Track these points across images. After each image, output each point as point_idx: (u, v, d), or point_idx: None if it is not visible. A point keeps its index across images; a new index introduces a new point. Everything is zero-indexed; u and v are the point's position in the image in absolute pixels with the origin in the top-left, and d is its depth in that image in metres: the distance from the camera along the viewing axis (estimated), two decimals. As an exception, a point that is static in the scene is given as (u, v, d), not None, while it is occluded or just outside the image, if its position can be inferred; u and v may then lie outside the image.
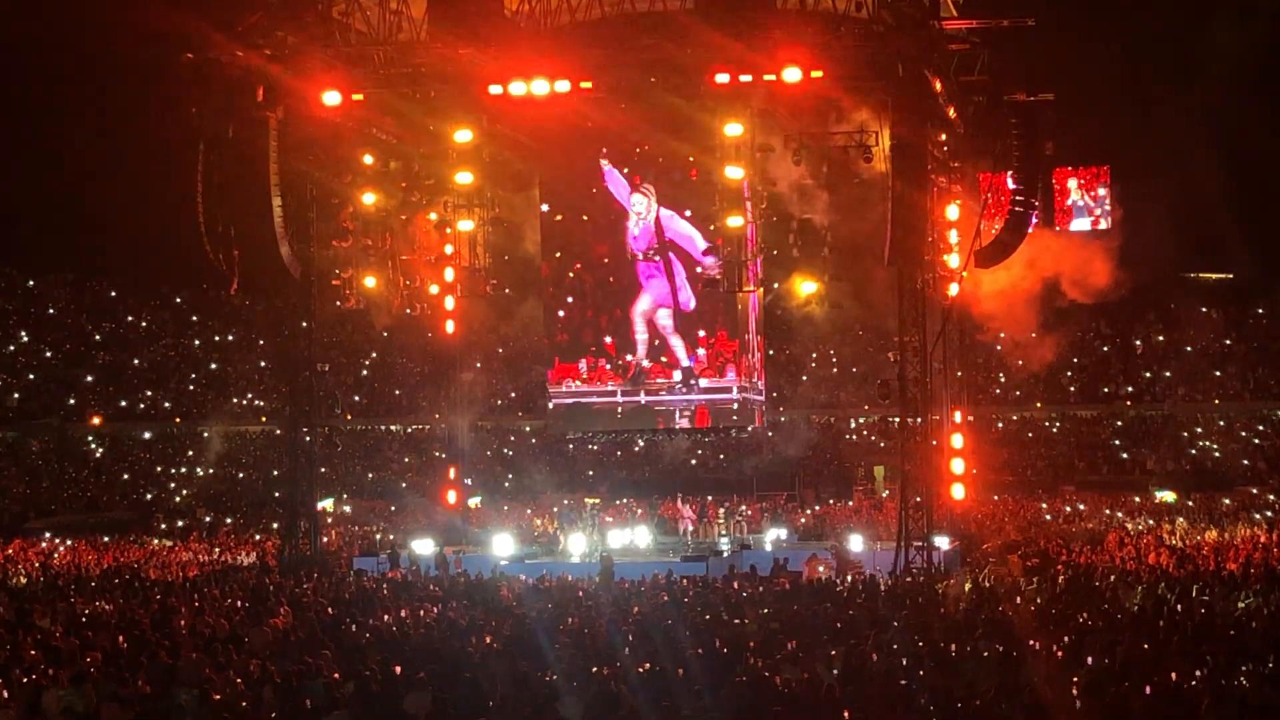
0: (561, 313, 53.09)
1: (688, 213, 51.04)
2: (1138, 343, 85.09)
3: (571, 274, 52.88)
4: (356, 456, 79.28)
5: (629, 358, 51.86)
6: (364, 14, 42.67)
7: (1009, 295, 52.03)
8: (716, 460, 76.90)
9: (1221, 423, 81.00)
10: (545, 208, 52.76)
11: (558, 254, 53.00)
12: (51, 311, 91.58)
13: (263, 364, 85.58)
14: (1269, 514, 56.74)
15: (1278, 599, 31.26)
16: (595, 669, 23.62)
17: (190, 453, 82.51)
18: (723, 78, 41.64)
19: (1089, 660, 23.86)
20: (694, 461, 77.17)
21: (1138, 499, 64.77)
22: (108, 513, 72.53)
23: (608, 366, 52.31)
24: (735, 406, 51.76)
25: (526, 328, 59.97)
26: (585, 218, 52.70)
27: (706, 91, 43.72)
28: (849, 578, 40.75)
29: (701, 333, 51.58)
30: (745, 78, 41.77)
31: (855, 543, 46.99)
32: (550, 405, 53.70)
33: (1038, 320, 57.22)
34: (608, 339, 52.29)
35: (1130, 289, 59.97)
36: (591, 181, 51.82)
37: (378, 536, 55.21)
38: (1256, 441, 79.15)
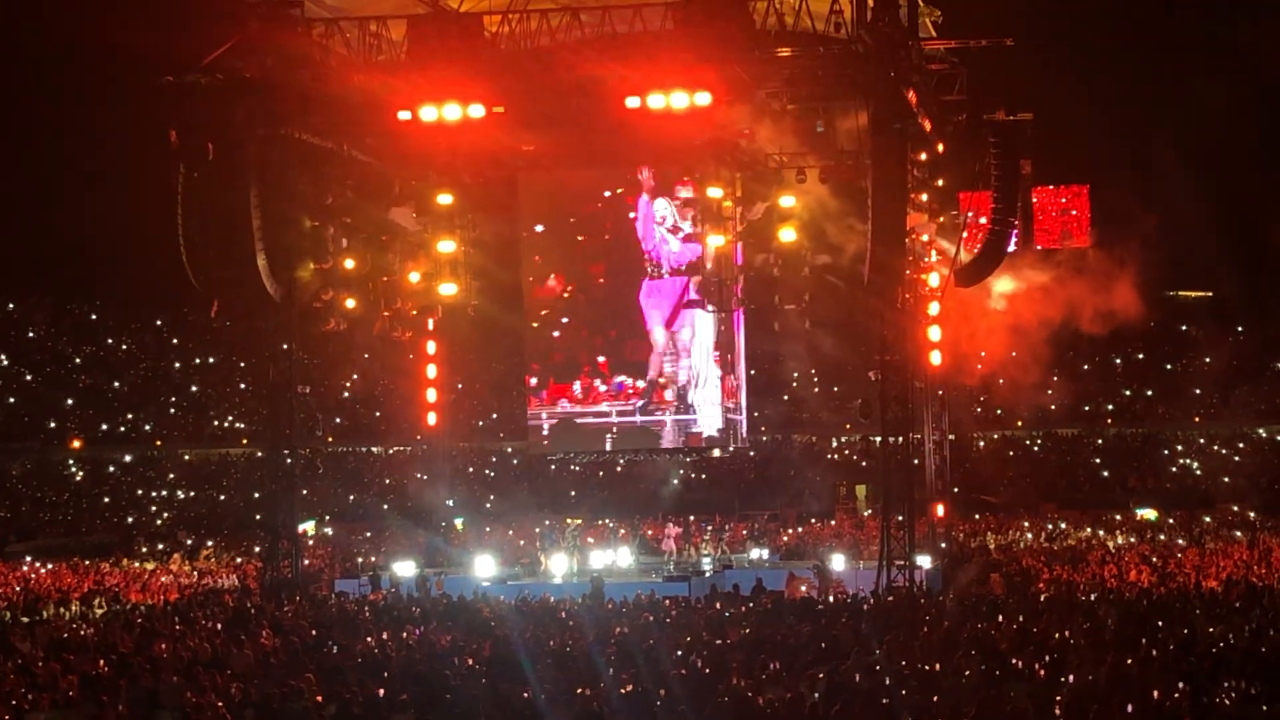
0: (556, 333, 53.20)
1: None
2: (1118, 361, 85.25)
3: (566, 294, 52.98)
4: (338, 479, 79.11)
5: (625, 379, 52.05)
6: (344, 36, 42.65)
7: (990, 315, 52.12)
8: (699, 480, 76.82)
9: (1202, 441, 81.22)
10: (540, 228, 52.95)
11: (551, 275, 53.12)
12: (31, 334, 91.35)
13: (243, 386, 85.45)
14: (1246, 532, 56.94)
15: (1259, 616, 31.35)
16: (577, 690, 23.59)
17: (171, 475, 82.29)
18: (703, 98, 41.66)
19: (1071, 678, 23.86)
20: (675, 481, 77.08)
21: (1119, 517, 64.87)
22: (88, 536, 72.30)
23: (601, 387, 52.44)
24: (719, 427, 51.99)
25: (510, 349, 59.98)
26: (580, 238, 52.85)
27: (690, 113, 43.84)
28: (831, 597, 40.79)
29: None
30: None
31: (837, 562, 47.02)
32: (544, 428, 53.77)
33: (1020, 340, 57.24)
34: (601, 359, 52.46)
35: (1110, 307, 60.01)
36: (588, 200, 52.21)
37: (359, 559, 55.10)
38: (1237, 459, 79.36)
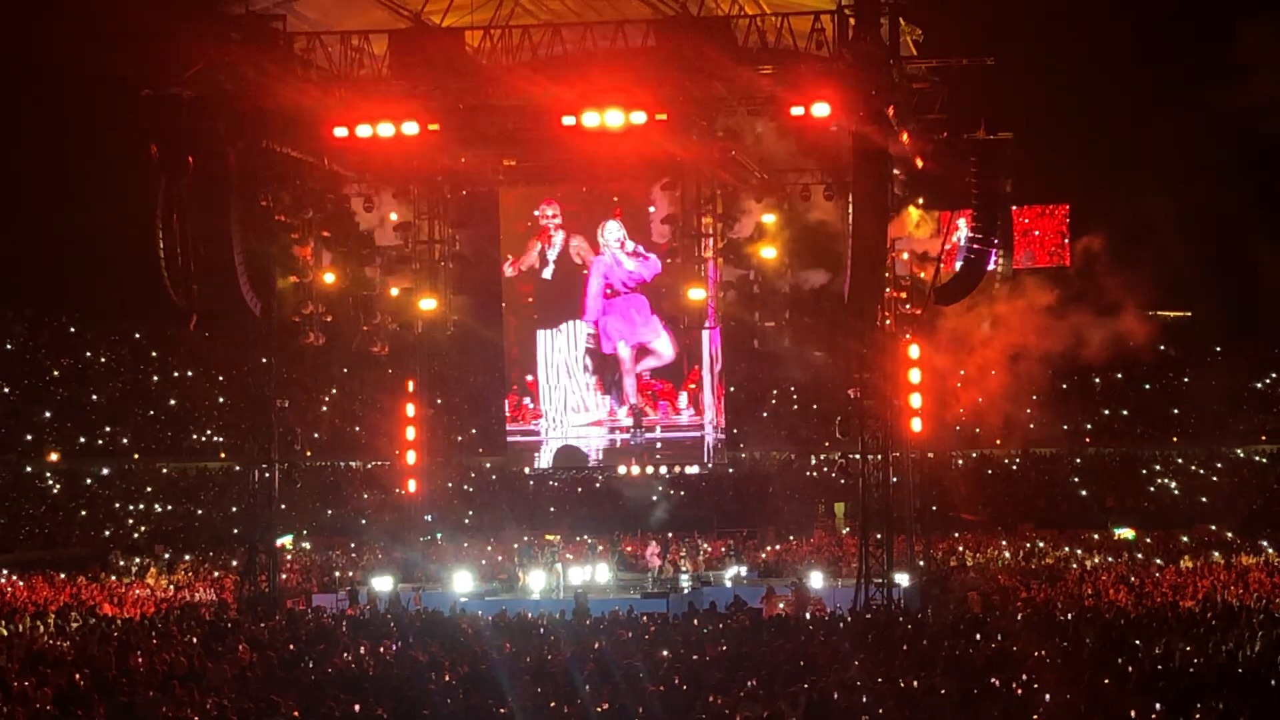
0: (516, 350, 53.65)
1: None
2: (1096, 380, 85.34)
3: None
4: (316, 493, 78.89)
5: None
6: (325, 50, 42.64)
7: (969, 334, 52.21)
8: (678, 497, 76.74)
9: (1180, 461, 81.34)
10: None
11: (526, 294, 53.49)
12: (9, 347, 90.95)
13: (222, 400, 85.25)
14: (1223, 552, 57.05)
15: (1235, 636, 31.43)
16: (555, 706, 23.57)
17: (149, 489, 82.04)
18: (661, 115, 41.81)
19: (1048, 697, 23.89)
20: (654, 498, 76.98)
21: (1097, 536, 64.95)
22: (65, 549, 72.03)
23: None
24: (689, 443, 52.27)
25: (488, 364, 60.01)
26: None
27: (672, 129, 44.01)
28: (809, 614, 40.81)
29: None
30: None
31: (816, 579, 47.05)
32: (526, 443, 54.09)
33: (998, 359, 57.33)
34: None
35: (1088, 326, 60.11)
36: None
37: (337, 573, 55.02)
38: (1215, 480, 79.50)
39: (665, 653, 30.60)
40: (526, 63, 41.48)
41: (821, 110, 40.75)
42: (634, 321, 51.95)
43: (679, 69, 40.52)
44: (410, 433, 54.26)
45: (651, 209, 51.29)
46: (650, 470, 53.25)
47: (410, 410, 54.47)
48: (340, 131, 42.68)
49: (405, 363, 54.38)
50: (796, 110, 40.77)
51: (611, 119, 40.74)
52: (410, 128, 42.17)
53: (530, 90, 41.31)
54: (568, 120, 41.31)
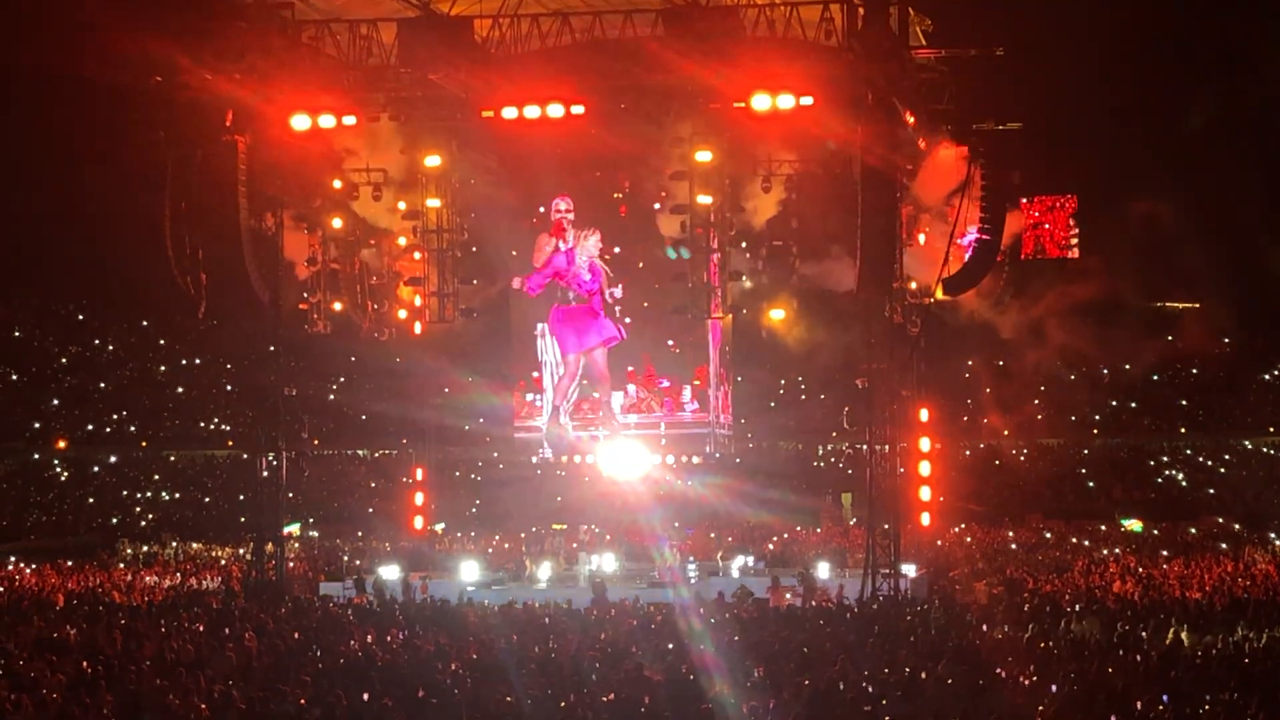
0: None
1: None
2: (1105, 371, 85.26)
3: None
4: (323, 481, 78.94)
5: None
6: (334, 38, 42.64)
7: (978, 325, 52.17)
8: (685, 487, 76.62)
9: (1188, 452, 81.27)
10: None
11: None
12: (17, 334, 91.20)
13: (229, 388, 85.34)
14: (1230, 543, 57.02)
15: (1242, 628, 31.41)
16: (561, 696, 23.56)
17: (156, 477, 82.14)
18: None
19: (1054, 688, 23.88)
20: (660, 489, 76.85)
21: (1104, 528, 64.91)
22: (72, 536, 72.13)
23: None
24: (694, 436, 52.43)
25: (496, 353, 59.92)
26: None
27: (678, 118, 44.04)
28: (815, 603, 40.80)
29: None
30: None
31: (823, 570, 47.01)
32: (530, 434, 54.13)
33: (1007, 351, 57.36)
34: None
35: (1097, 317, 60.13)
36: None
37: (344, 562, 55.03)
38: (1222, 471, 79.44)
39: (672, 643, 30.60)
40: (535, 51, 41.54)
41: (829, 101, 40.75)
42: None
43: (685, 58, 40.49)
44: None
45: (657, 205, 51.11)
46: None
47: (417, 399, 54.43)
48: (349, 119, 42.75)
49: (412, 352, 54.31)
50: (806, 100, 40.73)
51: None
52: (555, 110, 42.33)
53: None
54: (576, 110, 41.50)
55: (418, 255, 51.46)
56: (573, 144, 47.75)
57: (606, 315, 51.60)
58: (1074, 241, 71.40)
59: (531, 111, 42.06)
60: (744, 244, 50.07)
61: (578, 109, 41.95)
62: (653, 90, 42.51)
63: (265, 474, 47.18)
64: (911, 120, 43.02)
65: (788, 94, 40.58)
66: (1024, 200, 53.02)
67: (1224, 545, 56.65)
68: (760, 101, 40.83)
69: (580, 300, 51.47)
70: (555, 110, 41.98)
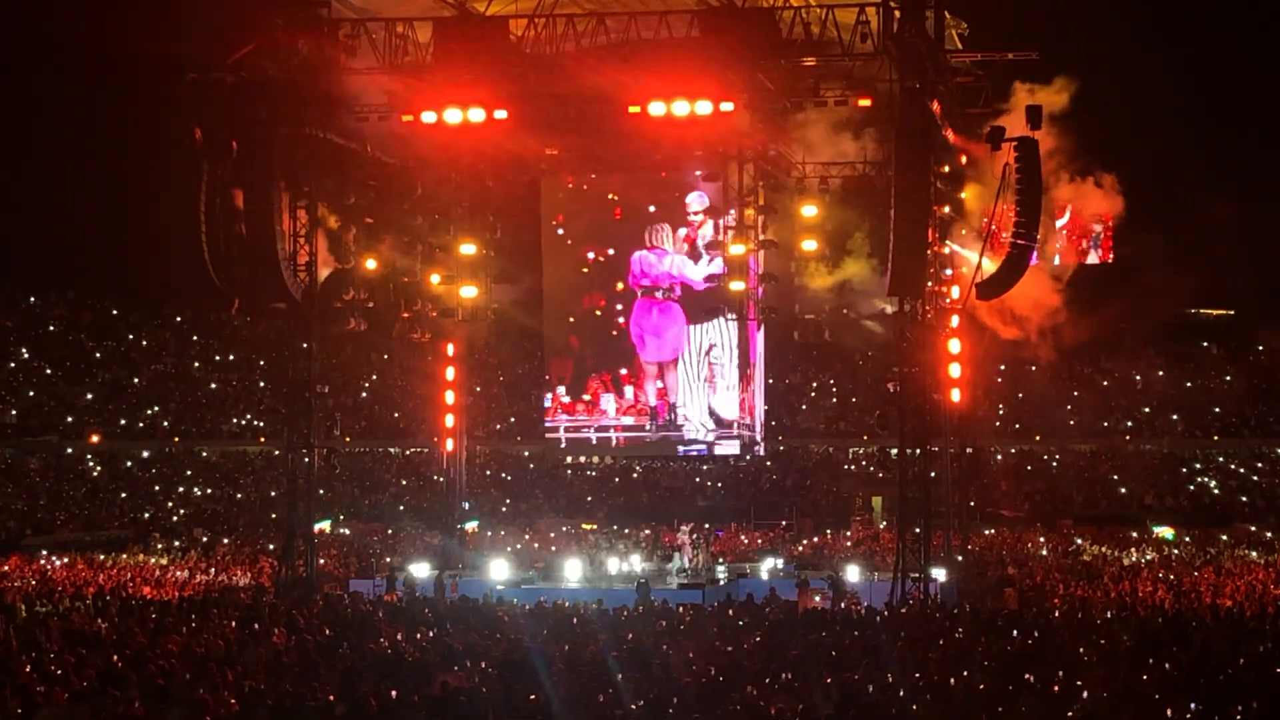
0: (587, 345, 53.80)
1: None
2: (1137, 377, 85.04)
3: (598, 310, 53.48)
4: (354, 478, 79.16)
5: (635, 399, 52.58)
6: (370, 37, 42.74)
7: (1010, 328, 52.01)
8: (714, 488, 76.74)
9: (1220, 459, 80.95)
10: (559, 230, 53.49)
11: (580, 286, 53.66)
12: (52, 329, 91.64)
13: (262, 384, 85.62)
14: (1262, 551, 56.74)
15: (1273, 637, 31.25)
16: (590, 695, 23.58)
17: (188, 472, 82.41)
18: (727, 106, 41.94)
19: (1084, 694, 23.81)
20: (688, 490, 77.01)
21: (1135, 534, 64.68)
22: (105, 531, 72.36)
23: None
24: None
25: (528, 352, 60.06)
26: (612, 251, 53.16)
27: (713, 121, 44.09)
28: (844, 606, 40.75)
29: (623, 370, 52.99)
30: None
31: (852, 573, 46.97)
32: (560, 433, 54.26)
33: (1039, 355, 57.12)
34: (623, 371, 52.98)
35: (1131, 323, 60.01)
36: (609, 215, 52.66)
37: (374, 559, 55.13)
38: (1255, 478, 79.09)
39: (701, 644, 30.59)
40: (570, 52, 41.61)
41: (862, 103, 40.79)
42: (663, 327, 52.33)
43: (729, 60, 40.57)
44: (449, 420, 54.37)
45: (694, 208, 51.24)
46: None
47: (449, 398, 54.59)
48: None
49: (445, 350, 54.43)
50: (839, 103, 40.78)
51: (701, 108, 41.38)
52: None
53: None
54: (655, 108, 41.92)
55: (455, 251, 51.53)
56: (608, 142, 47.80)
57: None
58: (1108, 246, 71.06)
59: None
60: (777, 246, 49.98)
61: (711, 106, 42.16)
62: (685, 91, 42.48)
63: (297, 470, 47.31)
64: (946, 124, 42.94)
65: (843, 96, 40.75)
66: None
67: (1254, 553, 56.37)
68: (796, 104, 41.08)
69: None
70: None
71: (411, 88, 43.09)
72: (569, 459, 57.20)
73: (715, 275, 51.31)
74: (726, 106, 41.81)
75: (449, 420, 54.62)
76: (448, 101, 42.70)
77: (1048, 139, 43.90)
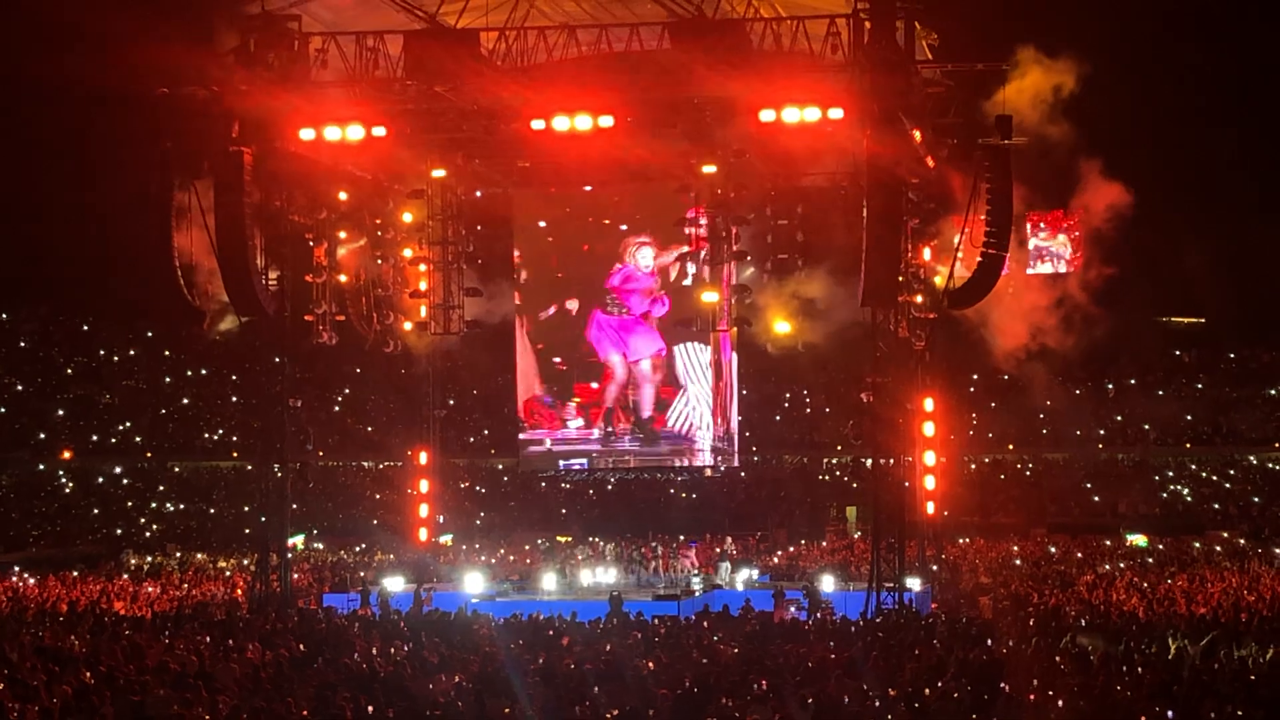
0: (557, 359, 53.60)
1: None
2: (1109, 385, 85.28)
3: (571, 322, 53.61)
4: (328, 493, 79.00)
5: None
6: (341, 50, 42.66)
7: (981, 338, 52.09)
8: (689, 500, 76.77)
9: (1193, 466, 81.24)
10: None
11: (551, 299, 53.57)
12: (23, 344, 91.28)
13: (235, 399, 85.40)
14: (1235, 558, 56.93)
15: (1246, 643, 31.38)
16: (565, 708, 23.55)
17: (161, 488, 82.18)
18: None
19: (1060, 703, 23.85)
20: (662, 500, 77.02)
21: (1109, 542, 64.86)
22: (77, 547, 72.15)
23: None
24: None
25: (502, 366, 59.97)
26: (586, 247, 53.25)
27: (688, 132, 44.06)
28: (819, 616, 40.79)
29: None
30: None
31: (827, 583, 46.99)
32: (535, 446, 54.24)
33: (1011, 364, 57.24)
34: (594, 384, 52.90)
35: (1102, 332, 59.98)
36: (580, 223, 52.70)
37: (348, 573, 55.00)
38: (1227, 486, 79.42)
39: (676, 655, 30.58)
40: (541, 65, 41.64)
41: (836, 114, 40.82)
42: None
43: (693, 73, 40.58)
44: (422, 434, 54.24)
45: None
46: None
47: (422, 412, 54.49)
48: (355, 132, 42.83)
49: (418, 363, 54.32)
50: (835, 113, 40.80)
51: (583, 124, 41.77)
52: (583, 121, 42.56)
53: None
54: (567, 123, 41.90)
55: (423, 267, 51.36)
56: (575, 156, 47.78)
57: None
58: (1077, 255, 71.21)
59: (561, 123, 42.06)
60: (749, 257, 49.92)
61: (606, 120, 42.07)
62: (664, 104, 42.49)
63: (270, 485, 47.18)
64: (917, 134, 42.99)
65: (814, 107, 40.70)
66: (1029, 214, 52.72)
67: (1228, 560, 56.56)
68: (767, 115, 41.01)
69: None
70: (583, 122, 42.00)
71: (382, 100, 43.12)
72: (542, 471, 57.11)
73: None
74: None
75: (422, 434, 54.46)
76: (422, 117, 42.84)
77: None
